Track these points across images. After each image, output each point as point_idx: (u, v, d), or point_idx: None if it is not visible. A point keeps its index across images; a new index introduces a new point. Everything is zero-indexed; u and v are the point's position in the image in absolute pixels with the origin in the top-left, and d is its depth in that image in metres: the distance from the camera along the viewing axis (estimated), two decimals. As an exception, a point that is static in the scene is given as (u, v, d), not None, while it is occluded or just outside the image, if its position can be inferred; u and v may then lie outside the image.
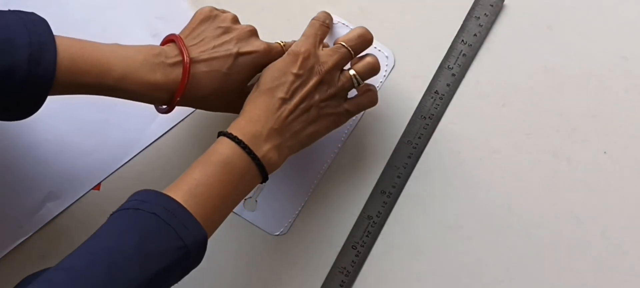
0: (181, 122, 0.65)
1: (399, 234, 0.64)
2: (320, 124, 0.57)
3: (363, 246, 0.63)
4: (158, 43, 0.66)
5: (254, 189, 0.64)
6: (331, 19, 0.62)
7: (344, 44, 0.58)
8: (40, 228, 0.64)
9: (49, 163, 0.64)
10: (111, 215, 0.49)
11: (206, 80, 0.55)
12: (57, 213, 0.64)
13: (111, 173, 0.65)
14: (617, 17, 0.65)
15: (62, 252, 0.64)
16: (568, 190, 0.63)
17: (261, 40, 0.58)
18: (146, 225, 0.47)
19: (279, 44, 0.59)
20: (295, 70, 0.56)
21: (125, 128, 0.65)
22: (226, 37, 0.57)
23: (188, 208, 0.49)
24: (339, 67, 0.58)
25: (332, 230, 0.64)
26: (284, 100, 0.55)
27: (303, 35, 0.59)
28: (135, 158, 0.65)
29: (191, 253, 0.48)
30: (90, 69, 0.52)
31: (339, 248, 0.63)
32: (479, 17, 0.65)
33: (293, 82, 0.55)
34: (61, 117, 0.65)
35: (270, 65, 0.57)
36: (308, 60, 0.56)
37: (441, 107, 0.65)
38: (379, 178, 0.64)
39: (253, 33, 0.58)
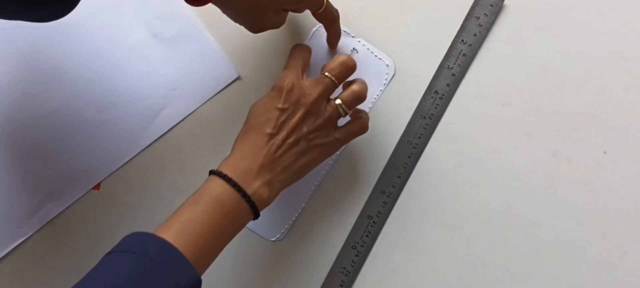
0: (181, 122, 0.65)
1: (399, 234, 0.64)
2: (311, 155, 0.57)
3: (363, 246, 0.63)
4: (158, 43, 0.67)
5: None
6: (310, 47, 0.63)
7: (327, 74, 0.57)
8: (40, 228, 0.64)
9: (49, 163, 0.64)
10: (104, 257, 0.49)
11: None
12: (57, 213, 0.64)
13: (111, 173, 0.65)
14: (617, 17, 0.65)
15: (62, 252, 0.64)
16: (568, 190, 0.63)
17: None
18: (139, 268, 0.47)
19: None
20: (280, 105, 0.56)
21: (125, 128, 0.65)
22: None
23: (179, 248, 0.49)
24: (324, 97, 0.57)
25: (332, 230, 0.64)
26: (272, 136, 0.55)
27: (285, 67, 0.59)
28: (135, 158, 0.65)
29: None
30: None
31: (339, 248, 0.63)
32: (478, 17, 0.65)
33: (279, 117, 0.56)
34: (61, 117, 0.65)
35: (255, 103, 0.57)
36: (292, 93, 0.56)
37: (441, 107, 0.65)
38: (379, 178, 0.64)
39: None
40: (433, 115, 0.65)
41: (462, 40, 0.65)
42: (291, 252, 0.64)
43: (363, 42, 0.66)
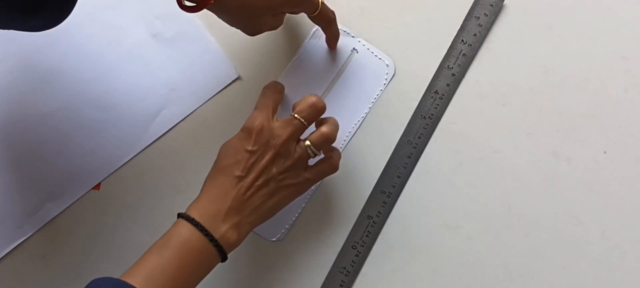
0: (181, 122, 0.65)
1: (399, 234, 0.64)
2: (280, 196, 0.57)
3: (363, 246, 0.63)
4: (158, 43, 0.67)
5: None
6: (283, 86, 0.63)
7: (296, 115, 0.57)
8: (40, 228, 0.64)
9: (49, 163, 0.64)
10: None
11: None
12: (57, 213, 0.64)
13: (111, 173, 0.65)
14: (617, 17, 0.65)
15: (62, 252, 0.64)
16: (568, 190, 0.63)
17: None
18: None
19: None
20: (249, 147, 0.56)
21: (125, 128, 0.65)
22: None
23: None
24: (293, 139, 0.57)
25: (332, 230, 0.64)
26: (240, 178, 0.55)
27: (256, 107, 0.59)
28: (135, 158, 0.65)
29: None
30: None
31: (339, 248, 0.63)
32: (478, 17, 0.65)
33: (248, 159, 0.55)
34: (61, 117, 0.65)
35: (225, 143, 0.57)
36: (262, 135, 0.56)
37: (441, 107, 0.65)
38: (379, 178, 0.64)
39: None
40: (433, 115, 0.65)
41: (462, 40, 0.65)
42: (291, 252, 0.64)
43: (363, 42, 0.66)
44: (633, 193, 0.63)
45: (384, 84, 0.65)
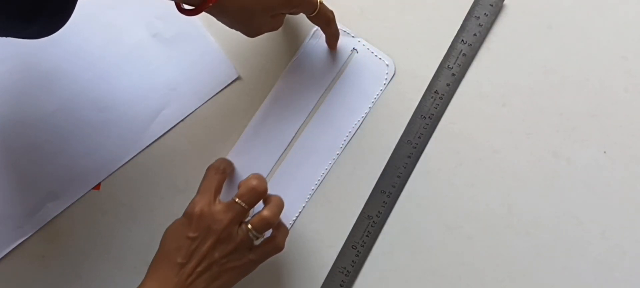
0: (181, 122, 0.65)
1: (399, 234, 0.64)
2: (225, 279, 0.56)
3: (363, 246, 0.63)
4: (158, 43, 0.67)
5: None
6: (230, 163, 0.63)
7: (237, 200, 0.56)
8: (40, 228, 0.64)
9: (49, 163, 0.64)
10: None
11: None
12: (57, 213, 0.64)
13: (111, 174, 0.65)
14: (617, 17, 0.65)
15: (62, 252, 0.64)
16: (568, 190, 0.63)
17: None
18: None
19: None
20: (191, 233, 0.55)
21: (125, 128, 0.65)
22: None
23: None
24: (234, 223, 0.56)
25: (332, 230, 0.64)
26: (183, 265, 0.55)
27: (199, 191, 0.59)
28: (135, 158, 0.65)
29: None
30: None
31: (339, 248, 0.63)
32: (478, 17, 0.65)
33: (189, 246, 0.55)
34: (61, 117, 0.65)
35: (169, 227, 0.57)
36: (202, 220, 0.56)
37: (441, 106, 0.65)
38: (379, 178, 0.64)
39: None
40: (433, 115, 0.65)
41: (462, 40, 0.65)
42: (291, 252, 0.64)
43: (363, 42, 0.66)
44: (633, 193, 0.63)
45: (384, 84, 0.65)
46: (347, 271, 0.63)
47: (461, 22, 0.66)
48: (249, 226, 0.57)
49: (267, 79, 0.66)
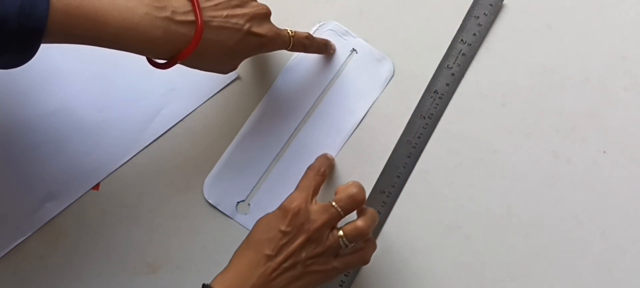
0: (181, 122, 0.65)
1: (399, 234, 0.63)
2: (306, 280, 0.56)
3: (363, 246, 0.63)
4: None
5: (247, 192, 0.64)
6: (330, 163, 0.63)
7: (334, 204, 0.56)
8: (40, 228, 0.64)
9: (48, 163, 0.64)
10: None
11: (210, 48, 0.54)
12: (56, 213, 0.64)
13: (111, 173, 0.65)
14: (617, 17, 0.65)
15: (61, 252, 0.64)
16: (568, 190, 0.63)
17: (272, 25, 0.58)
18: None
19: (289, 32, 0.59)
20: (283, 227, 0.55)
21: (124, 128, 0.65)
22: (240, 11, 0.55)
23: None
24: (328, 226, 0.56)
25: (332, 230, 0.64)
26: (270, 257, 0.55)
27: (297, 187, 0.59)
28: (134, 158, 0.65)
29: None
30: (84, 23, 0.49)
31: (338, 248, 0.63)
32: (478, 17, 0.65)
33: (281, 239, 0.55)
34: (60, 117, 0.65)
35: (261, 219, 0.57)
36: (297, 217, 0.55)
37: (441, 106, 0.65)
38: (378, 178, 0.64)
39: (267, 15, 0.57)
40: (432, 115, 0.65)
41: (462, 40, 0.65)
42: (291, 252, 0.64)
43: (363, 42, 0.66)
44: (633, 193, 0.63)
45: (384, 84, 0.65)
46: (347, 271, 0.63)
47: (461, 22, 0.66)
48: (340, 232, 0.56)
49: (266, 79, 0.66)
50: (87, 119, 0.65)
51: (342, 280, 0.63)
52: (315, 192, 0.59)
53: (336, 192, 0.57)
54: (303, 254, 0.55)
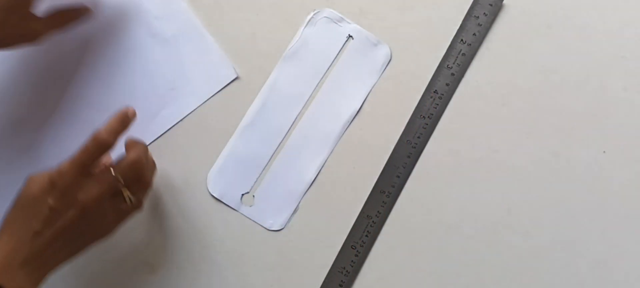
0: (180, 122, 0.65)
1: (399, 234, 0.63)
2: (81, 242, 0.54)
3: (362, 246, 0.63)
4: (157, 43, 0.67)
5: (251, 183, 0.64)
6: (120, 123, 0.56)
7: (113, 172, 0.54)
8: (40, 228, 0.64)
9: (48, 163, 0.64)
10: None
11: None
12: (56, 213, 0.64)
13: (110, 173, 0.65)
14: (617, 17, 0.65)
15: (61, 252, 0.64)
16: (568, 191, 0.63)
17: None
18: None
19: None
20: (52, 202, 0.52)
21: (124, 128, 0.65)
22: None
23: None
24: (105, 197, 0.53)
25: (331, 230, 0.64)
26: (38, 234, 0.52)
27: (72, 156, 0.54)
28: (134, 158, 0.65)
29: None
30: None
31: (338, 248, 0.63)
32: (478, 17, 0.65)
33: (49, 216, 0.52)
34: (60, 117, 0.65)
35: (31, 182, 0.53)
36: (68, 191, 0.52)
37: (440, 106, 0.65)
38: (378, 177, 0.64)
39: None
40: (432, 114, 0.65)
41: (462, 40, 0.65)
42: (290, 252, 0.64)
43: (358, 27, 0.66)
44: (633, 193, 0.63)
45: (381, 69, 0.65)
46: (347, 271, 0.63)
47: (460, 22, 0.66)
48: (119, 177, 0.54)
49: (266, 79, 0.66)
50: (87, 119, 0.65)
51: (341, 281, 0.63)
52: (93, 160, 0.54)
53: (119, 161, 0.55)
54: (76, 227, 0.53)
